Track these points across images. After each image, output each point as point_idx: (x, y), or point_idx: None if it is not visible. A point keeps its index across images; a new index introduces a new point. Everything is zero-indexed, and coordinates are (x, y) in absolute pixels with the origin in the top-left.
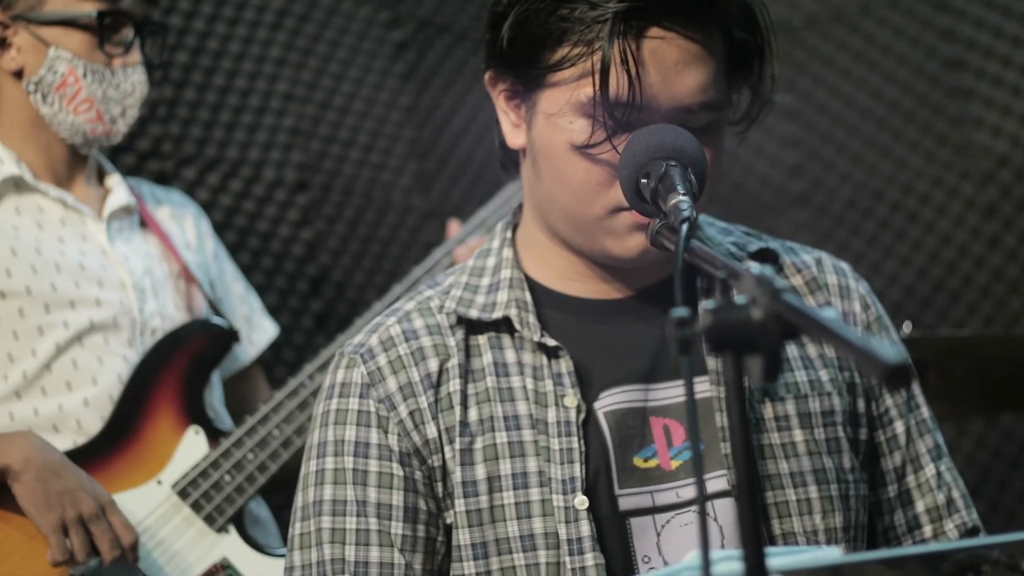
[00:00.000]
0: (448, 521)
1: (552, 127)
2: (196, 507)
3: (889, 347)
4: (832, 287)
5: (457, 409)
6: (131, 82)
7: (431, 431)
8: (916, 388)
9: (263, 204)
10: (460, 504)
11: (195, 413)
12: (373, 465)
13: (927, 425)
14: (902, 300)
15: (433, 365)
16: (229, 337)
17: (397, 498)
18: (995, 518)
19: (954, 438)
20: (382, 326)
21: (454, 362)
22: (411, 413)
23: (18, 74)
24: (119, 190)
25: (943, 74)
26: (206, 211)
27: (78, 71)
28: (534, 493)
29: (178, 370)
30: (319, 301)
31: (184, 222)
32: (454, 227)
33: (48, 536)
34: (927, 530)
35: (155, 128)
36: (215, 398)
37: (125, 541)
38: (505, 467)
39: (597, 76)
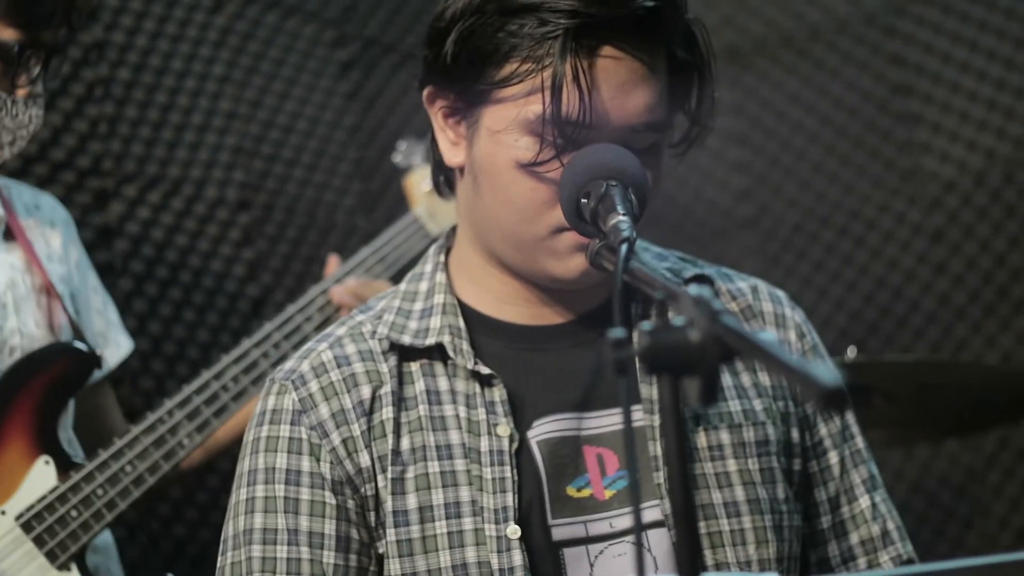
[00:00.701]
0: (380, 551)
1: (496, 144)
2: (39, 542)
3: (826, 371)
4: (767, 315)
5: (390, 437)
6: (29, 114)
7: (364, 459)
8: (851, 419)
9: (204, 223)
10: (392, 533)
11: (47, 442)
12: (305, 493)
13: (861, 456)
14: (848, 325)
15: (366, 392)
16: (90, 363)
17: (329, 527)
18: (940, 545)
19: (900, 464)
20: (313, 352)
21: (387, 389)
22: (344, 441)
23: None
24: None
25: (891, 99)
26: (147, 229)
27: None
28: (467, 523)
29: (33, 395)
30: (260, 322)
31: (51, 231)
32: (333, 264)
33: None
34: (861, 562)
35: (96, 145)
36: (70, 426)
37: None
38: (437, 497)
39: (548, 93)
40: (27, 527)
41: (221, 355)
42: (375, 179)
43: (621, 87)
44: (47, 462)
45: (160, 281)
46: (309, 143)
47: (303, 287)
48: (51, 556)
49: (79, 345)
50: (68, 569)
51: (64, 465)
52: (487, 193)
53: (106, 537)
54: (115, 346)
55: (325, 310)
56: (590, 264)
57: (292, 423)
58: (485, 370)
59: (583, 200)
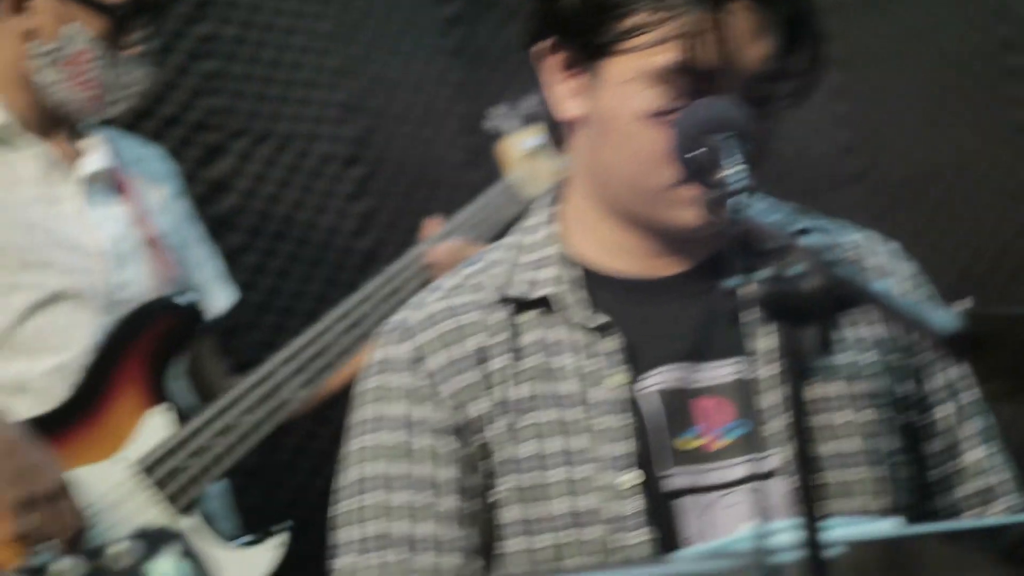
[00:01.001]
0: (493, 499)
1: (621, 95)
2: (161, 485)
3: (944, 316)
4: (881, 267)
5: (504, 386)
6: (138, 74)
7: (477, 408)
8: (965, 370)
9: (314, 178)
10: (505, 482)
11: (160, 392)
12: (420, 440)
13: (974, 408)
14: (958, 279)
15: (479, 342)
16: (197, 315)
17: (442, 473)
18: None
19: (1011, 417)
20: (425, 303)
21: (500, 339)
22: (458, 390)
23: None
24: (100, 151)
25: (999, 54)
26: (257, 184)
27: (95, 52)
28: (580, 471)
29: (148, 345)
30: (370, 275)
31: (160, 183)
32: (431, 227)
33: (9, 512)
34: (972, 514)
35: (205, 101)
36: (182, 376)
37: (74, 527)
38: (551, 445)
39: (678, 43)
40: (149, 471)
41: (330, 309)
42: (482, 134)
43: (747, 37)
44: (161, 411)
45: (271, 235)
46: (416, 99)
47: (413, 241)
48: (173, 500)
49: (186, 298)
50: (189, 514)
51: (180, 413)
52: (609, 144)
53: (218, 486)
54: (220, 297)
55: (425, 271)
56: (707, 214)
57: (404, 372)
58: (599, 320)
59: (697, 151)
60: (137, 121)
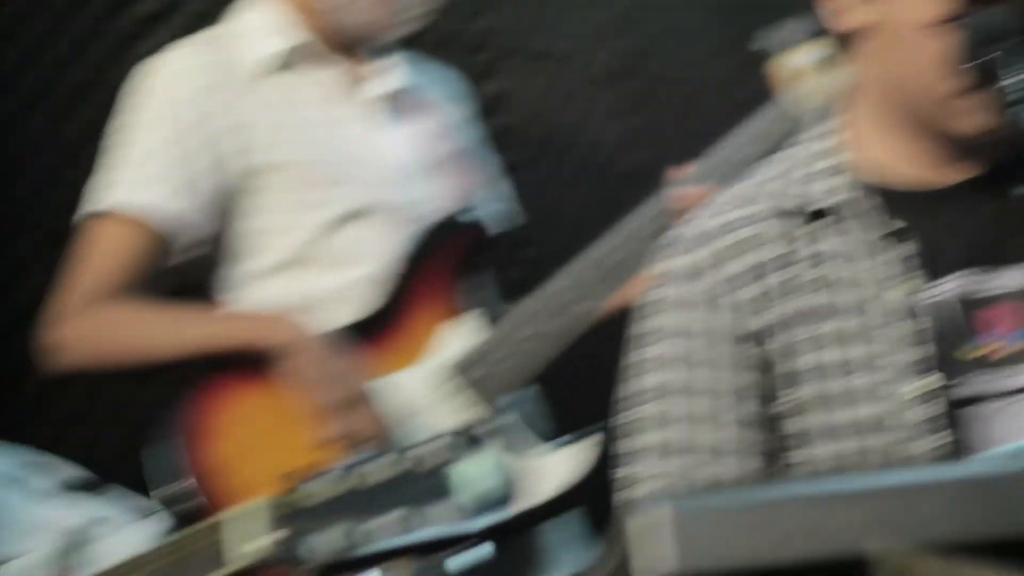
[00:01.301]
0: (776, 410)
1: (909, 4)
2: (470, 390)
3: None
4: None
5: (786, 298)
6: None
7: (760, 320)
8: None
9: (587, 95)
10: (790, 392)
11: (460, 301)
12: (704, 351)
13: None
14: None
15: (761, 255)
16: (487, 231)
17: (728, 382)
18: None
19: None
20: (706, 218)
21: (783, 251)
22: (740, 302)
23: None
24: (396, 70)
25: None
26: (535, 103)
27: None
28: (869, 379)
29: (445, 259)
30: (649, 191)
31: (453, 104)
32: (681, 172)
33: (325, 414)
34: None
35: (481, 20)
36: (486, 284)
37: (381, 432)
38: (838, 354)
39: None
40: (460, 376)
41: (610, 224)
42: (749, 52)
43: None
44: (468, 317)
45: (544, 152)
46: (686, 14)
47: (686, 157)
48: (482, 404)
49: (477, 214)
50: (499, 417)
51: (483, 320)
52: (895, 53)
53: (528, 392)
54: (507, 214)
55: (679, 213)
56: (993, 121)
57: (685, 284)
58: (895, 225)
59: (985, 58)
60: (415, 40)
